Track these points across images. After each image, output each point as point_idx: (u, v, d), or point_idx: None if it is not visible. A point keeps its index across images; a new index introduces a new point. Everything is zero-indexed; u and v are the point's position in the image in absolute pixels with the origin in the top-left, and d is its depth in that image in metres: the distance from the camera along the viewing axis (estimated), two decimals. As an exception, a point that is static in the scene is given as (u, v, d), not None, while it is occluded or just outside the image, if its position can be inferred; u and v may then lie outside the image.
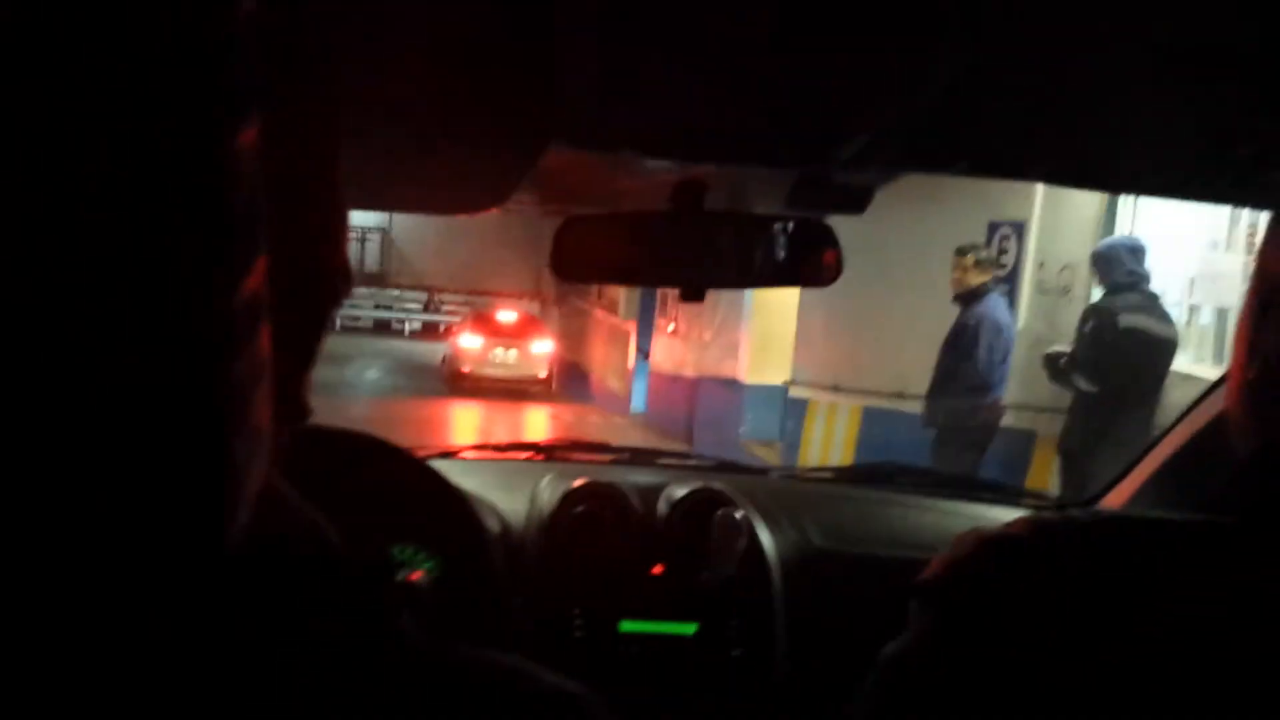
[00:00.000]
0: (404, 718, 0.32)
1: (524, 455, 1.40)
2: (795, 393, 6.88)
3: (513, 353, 12.73)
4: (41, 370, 0.21)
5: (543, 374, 12.90)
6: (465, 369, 12.58)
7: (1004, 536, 0.51)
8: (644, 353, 11.28)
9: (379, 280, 16.42)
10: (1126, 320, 3.57)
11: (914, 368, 4.82)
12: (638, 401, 11.38)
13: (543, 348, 13.01)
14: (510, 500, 1.16)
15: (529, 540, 1.12)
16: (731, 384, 8.13)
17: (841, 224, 0.99)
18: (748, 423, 7.47)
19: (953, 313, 4.18)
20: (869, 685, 0.54)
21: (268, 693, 0.30)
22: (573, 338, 14.15)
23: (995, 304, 4.16)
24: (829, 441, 6.27)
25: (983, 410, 4.09)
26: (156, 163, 0.21)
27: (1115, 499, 1.11)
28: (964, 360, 4.00)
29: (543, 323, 14.18)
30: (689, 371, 9.46)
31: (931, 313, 4.54)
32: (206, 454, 0.24)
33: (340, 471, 0.81)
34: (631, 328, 11.69)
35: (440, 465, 1.10)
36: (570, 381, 13.71)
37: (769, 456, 6.80)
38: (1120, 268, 3.67)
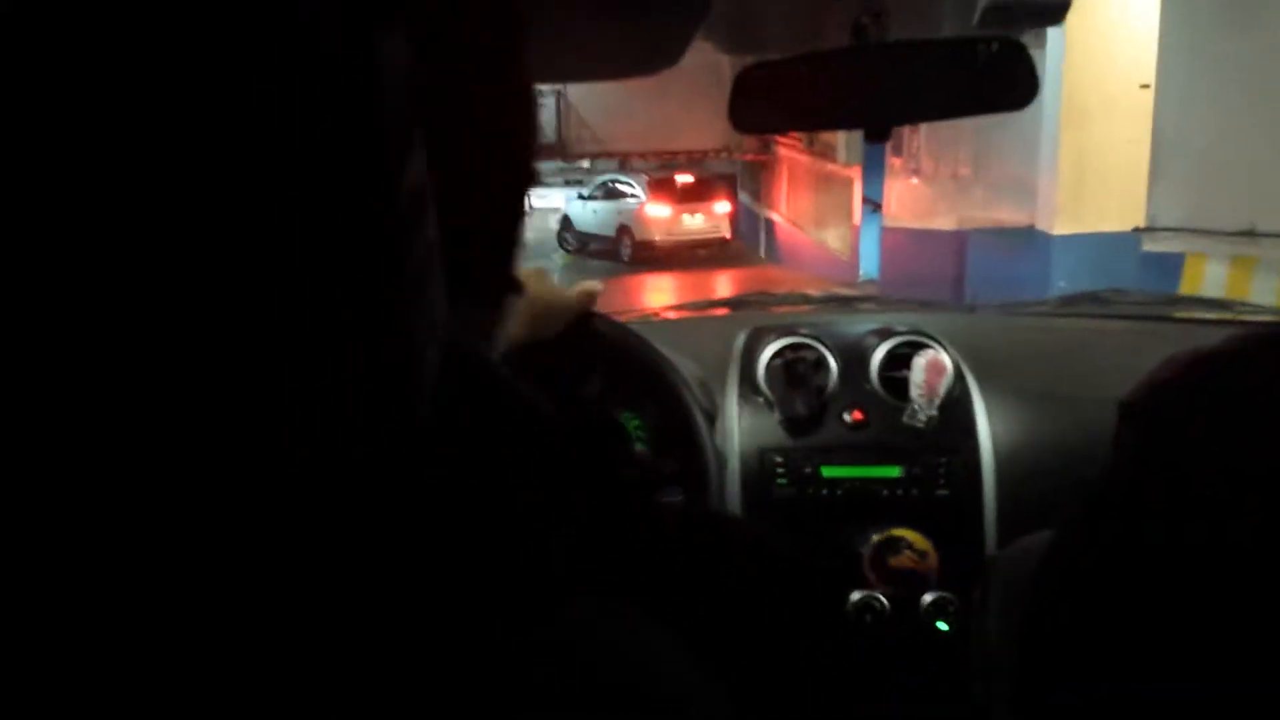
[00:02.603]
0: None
1: (722, 311, 1.61)
2: (1156, 245, 5.29)
3: (699, 216, 14.70)
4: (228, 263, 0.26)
5: (728, 234, 14.98)
6: (656, 238, 14.58)
7: (1213, 350, 0.54)
8: (873, 203, 10.84)
9: (558, 151, 16.96)
10: None
11: None
12: (868, 265, 10.95)
13: (724, 207, 15.01)
14: (711, 356, 1.38)
15: (730, 394, 1.34)
16: (1026, 235, 6.61)
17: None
18: (1062, 292, 5.83)
19: None
20: (1070, 507, 0.61)
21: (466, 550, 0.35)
22: (776, 194, 14.28)
23: None
24: (1238, 316, 4.66)
25: None
26: (304, 72, 0.26)
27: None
28: None
29: (718, 182, 15.62)
30: (944, 222, 8.40)
31: None
32: (386, 343, 0.29)
33: (546, 338, 1.05)
34: (855, 174, 11.33)
35: (640, 327, 1.33)
36: (776, 245, 13.86)
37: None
38: None
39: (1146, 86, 5.63)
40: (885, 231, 10.36)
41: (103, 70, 0.24)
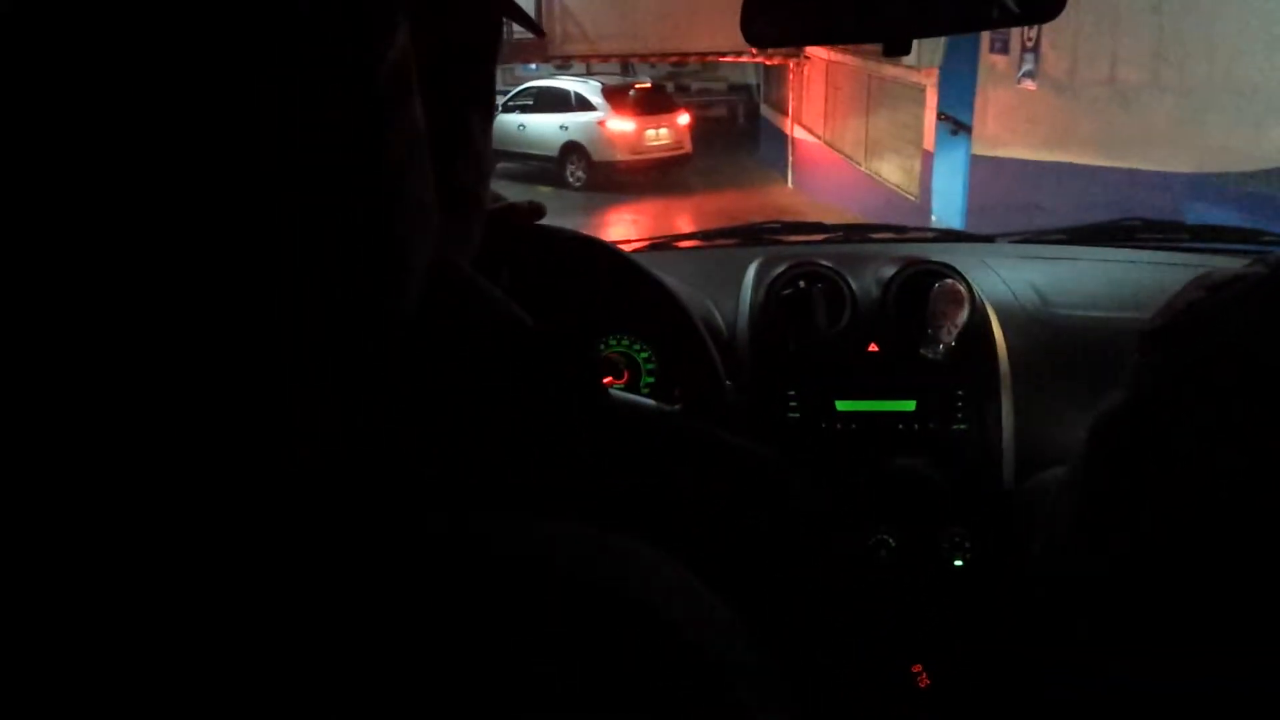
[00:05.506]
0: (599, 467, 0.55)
1: (732, 241, 1.86)
2: None
3: (662, 130, 15.56)
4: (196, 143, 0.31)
5: (689, 148, 15.95)
6: (620, 157, 15.27)
7: (1235, 276, 0.62)
8: (954, 122, 9.52)
9: (538, 51, 16.79)
10: None
11: None
12: (945, 210, 9.58)
13: (684, 119, 15.97)
14: (722, 287, 1.63)
15: (741, 325, 1.59)
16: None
17: None
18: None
19: None
20: (1086, 438, 0.69)
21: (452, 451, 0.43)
22: (810, 108, 14.45)
23: None
24: None
25: None
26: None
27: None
28: None
29: (668, 91, 17.23)
30: (1096, 157, 6.81)
31: None
32: (368, 226, 0.33)
33: (550, 267, 1.29)
34: (928, 80, 10.11)
35: (652, 257, 1.58)
36: (809, 174, 14.11)
37: None
38: None
39: None
40: (977, 165, 8.91)
41: (101, 55, 0.31)
